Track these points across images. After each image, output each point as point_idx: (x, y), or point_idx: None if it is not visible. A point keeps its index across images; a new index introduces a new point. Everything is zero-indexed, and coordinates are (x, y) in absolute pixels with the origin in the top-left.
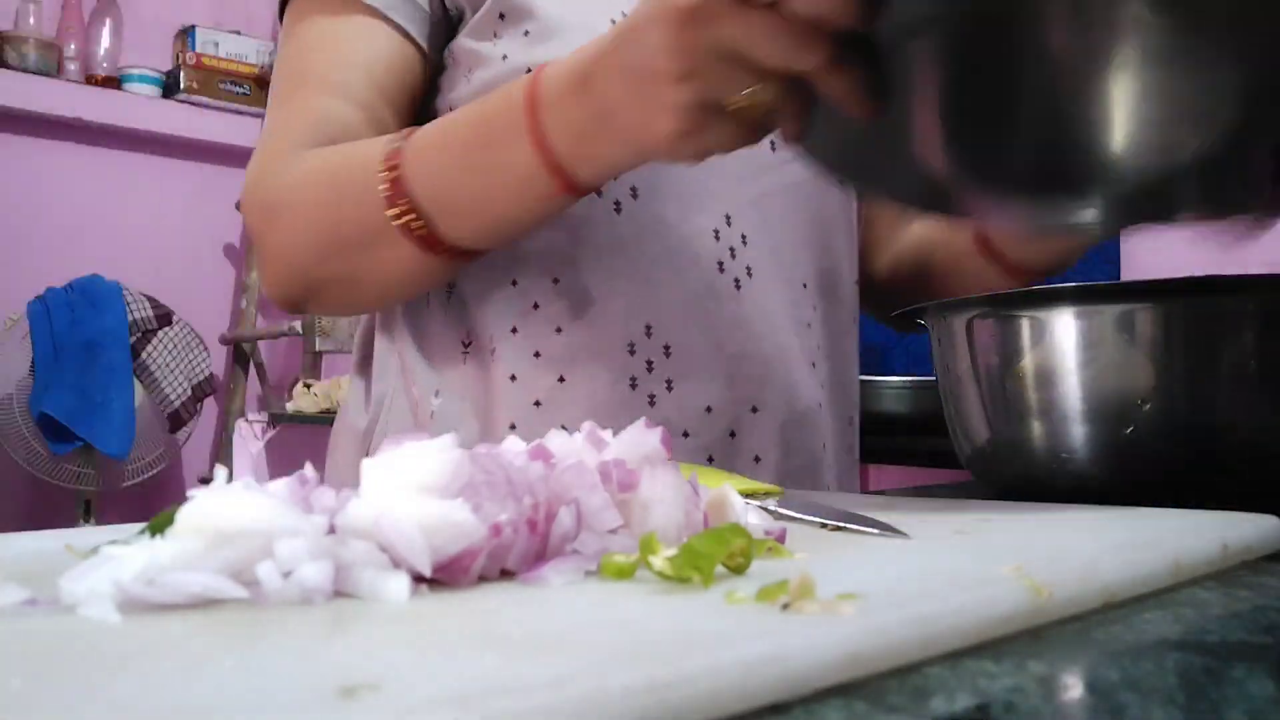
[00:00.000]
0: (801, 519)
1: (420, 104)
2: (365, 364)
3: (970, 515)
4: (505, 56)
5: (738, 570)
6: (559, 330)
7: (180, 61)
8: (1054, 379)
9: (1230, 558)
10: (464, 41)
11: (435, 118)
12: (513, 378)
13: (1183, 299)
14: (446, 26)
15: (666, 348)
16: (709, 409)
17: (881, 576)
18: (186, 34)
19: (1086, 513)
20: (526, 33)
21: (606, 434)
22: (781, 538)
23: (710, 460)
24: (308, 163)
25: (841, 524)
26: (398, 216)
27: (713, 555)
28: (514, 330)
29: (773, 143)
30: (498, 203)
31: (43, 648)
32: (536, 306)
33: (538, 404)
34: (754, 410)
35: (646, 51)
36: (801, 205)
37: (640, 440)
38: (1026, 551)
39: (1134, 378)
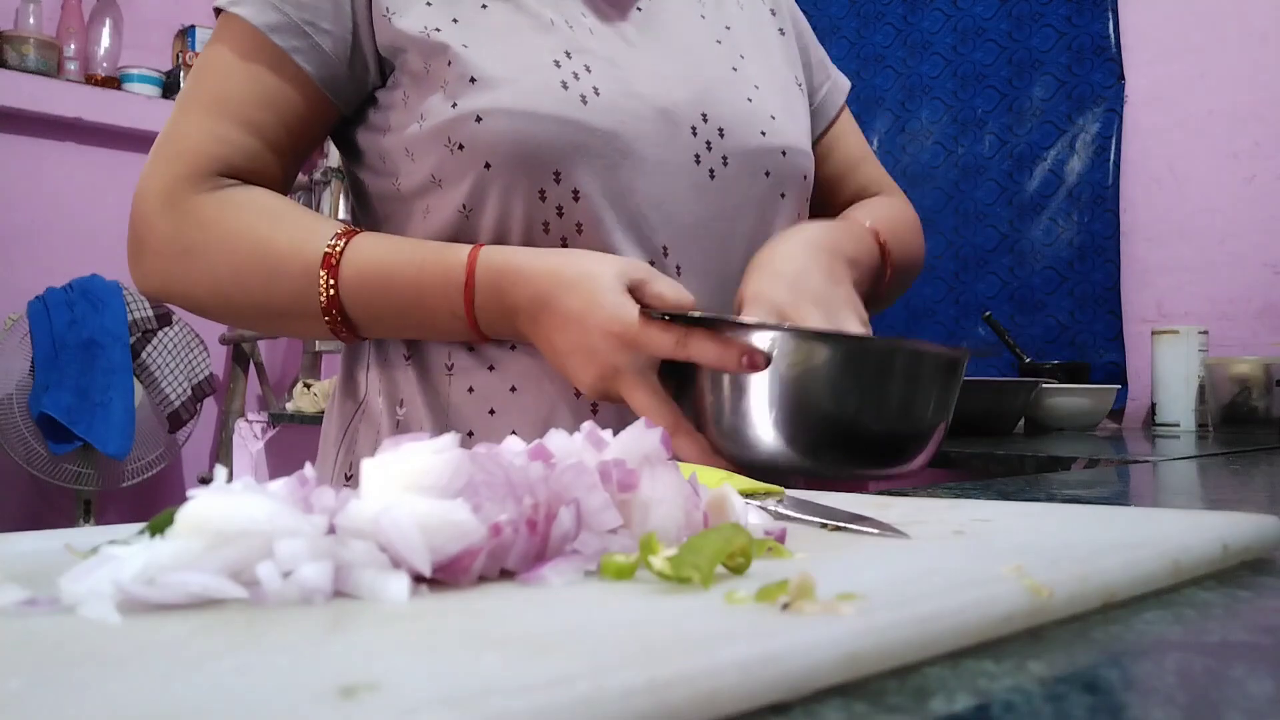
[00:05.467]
0: (801, 519)
1: (352, 137)
2: (347, 377)
3: (970, 515)
4: (455, 104)
5: (738, 570)
6: (513, 348)
7: (180, 61)
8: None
9: (1230, 558)
10: (409, 89)
11: (384, 155)
12: (470, 390)
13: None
14: (361, 79)
15: None
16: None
17: (881, 576)
18: (186, 34)
19: (1086, 512)
20: (472, 80)
21: (606, 434)
22: (781, 538)
23: None
24: (231, 212)
25: (841, 524)
26: (329, 320)
27: (713, 555)
28: (470, 349)
29: (711, 171)
30: (422, 334)
31: (43, 648)
32: None
33: (492, 412)
34: None
35: (575, 376)
36: (742, 224)
37: (640, 440)
38: (1026, 551)
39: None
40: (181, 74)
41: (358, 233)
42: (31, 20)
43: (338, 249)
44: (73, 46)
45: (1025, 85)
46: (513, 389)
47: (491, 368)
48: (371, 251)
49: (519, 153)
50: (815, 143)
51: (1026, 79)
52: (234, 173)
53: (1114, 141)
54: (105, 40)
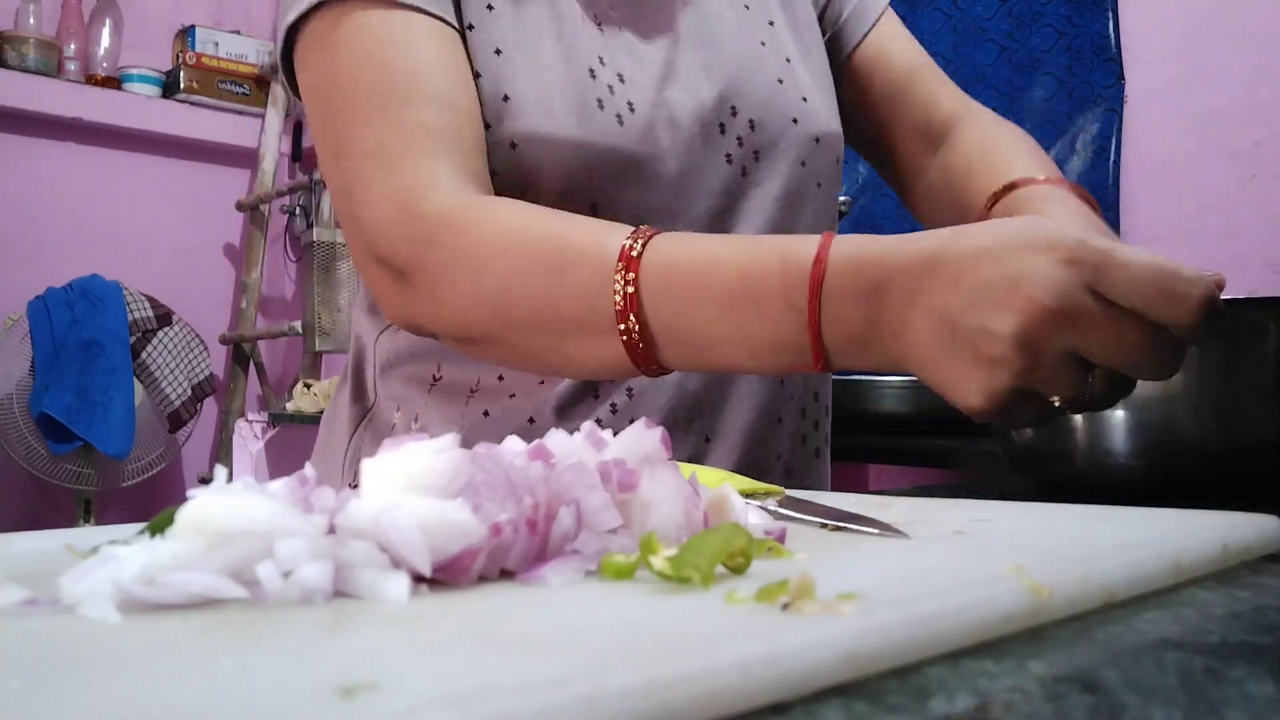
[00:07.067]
0: (801, 519)
1: None
2: (357, 386)
3: (970, 515)
4: (488, 125)
5: (738, 570)
6: (541, 383)
7: (180, 61)
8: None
9: (1230, 558)
10: None
11: None
12: (485, 414)
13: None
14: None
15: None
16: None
17: (881, 576)
18: (186, 34)
19: (1086, 512)
20: (505, 98)
21: (606, 434)
22: (781, 538)
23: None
24: (488, 214)
25: (841, 524)
26: (624, 331)
27: (713, 555)
28: (499, 378)
29: (744, 169)
30: (737, 354)
31: (43, 648)
32: None
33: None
34: (702, 403)
35: (983, 330)
36: (771, 218)
37: (640, 440)
38: (1026, 551)
39: (1169, 382)
40: (181, 74)
41: (659, 232)
42: (31, 20)
43: (638, 245)
44: (73, 46)
45: (1025, 85)
46: (531, 420)
47: (513, 395)
48: (681, 241)
49: (557, 185)
50: (849, 57)
51: (1026, 79)
52: (449, 154)
53: (1114, 141)
54: (105, 40)
